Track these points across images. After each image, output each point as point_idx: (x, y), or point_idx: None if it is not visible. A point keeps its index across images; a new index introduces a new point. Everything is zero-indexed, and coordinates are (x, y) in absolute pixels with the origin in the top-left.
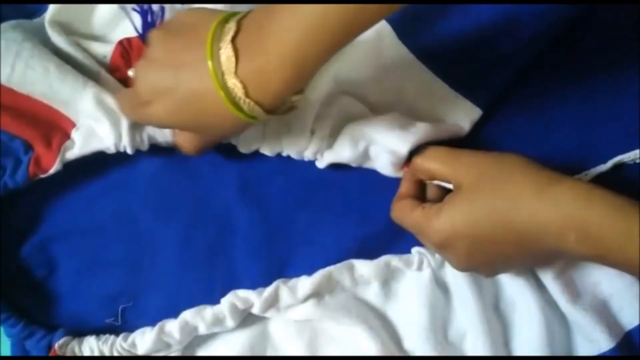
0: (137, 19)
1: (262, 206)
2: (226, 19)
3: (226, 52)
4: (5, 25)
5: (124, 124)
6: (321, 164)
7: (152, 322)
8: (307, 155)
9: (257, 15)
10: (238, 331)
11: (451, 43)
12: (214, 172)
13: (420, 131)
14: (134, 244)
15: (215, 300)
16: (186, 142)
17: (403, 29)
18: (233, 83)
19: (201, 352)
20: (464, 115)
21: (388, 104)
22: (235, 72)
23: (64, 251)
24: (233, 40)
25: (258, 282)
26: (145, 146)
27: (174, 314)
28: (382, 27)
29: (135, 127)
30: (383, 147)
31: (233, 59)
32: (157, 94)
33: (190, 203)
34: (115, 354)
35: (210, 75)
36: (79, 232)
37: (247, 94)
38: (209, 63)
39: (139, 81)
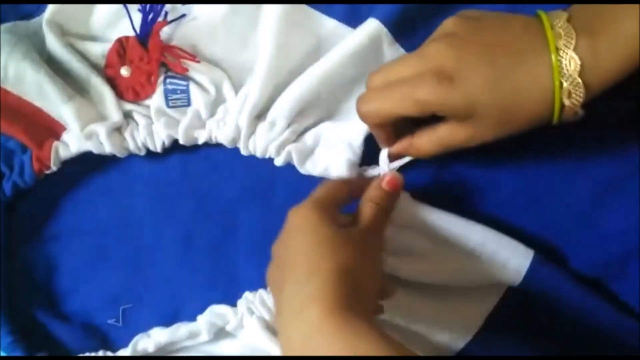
0: (137, 19)
1: (264, 206)
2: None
3: (570, 54)
4: (1, 27)
5: (102, 133)
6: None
7: (153, 323)
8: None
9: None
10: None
11: None
12: (215, 172)
13: None
14: (135, 245)
15: (216, 300)
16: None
17: (399, 31)
18: (570, 57)
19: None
20: None
21: None
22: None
23: (65, 251)
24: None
25: (260, 282)
26: (142, 151)
27: (175, 314)
28: (378, 29)
29: (115, 134)
30: (339, 139)
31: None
32: (469, 69)
33: (192, 203)
34: None
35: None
36: (81, 232)
37: (580, 73)
38: (552, 56)
39: (442, 56)
